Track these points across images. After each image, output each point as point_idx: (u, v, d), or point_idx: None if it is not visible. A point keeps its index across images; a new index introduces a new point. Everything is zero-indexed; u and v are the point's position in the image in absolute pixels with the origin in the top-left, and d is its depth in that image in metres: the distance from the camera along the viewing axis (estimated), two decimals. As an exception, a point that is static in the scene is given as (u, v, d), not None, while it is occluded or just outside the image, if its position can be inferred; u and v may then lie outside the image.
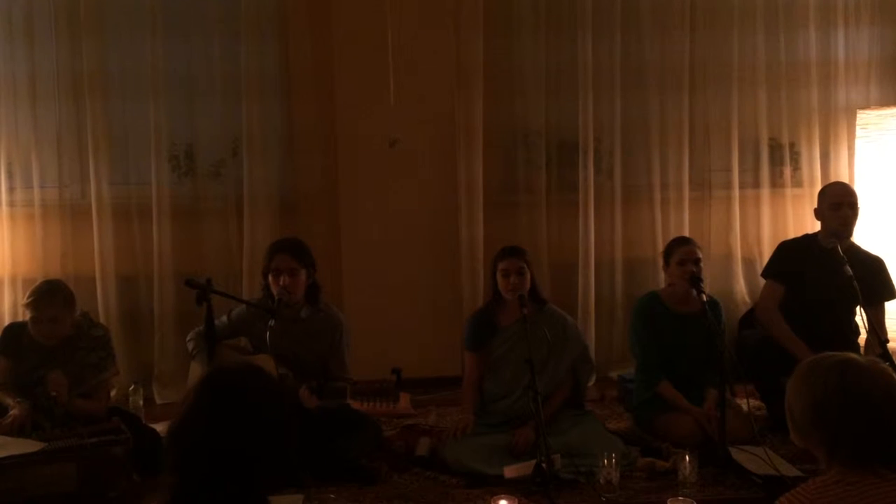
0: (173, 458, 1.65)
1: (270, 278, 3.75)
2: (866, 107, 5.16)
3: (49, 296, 3.65)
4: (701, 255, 3.98)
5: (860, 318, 4.02)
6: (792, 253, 4.28)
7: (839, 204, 4.11)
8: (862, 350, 4.15)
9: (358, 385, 3.56)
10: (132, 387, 4.48)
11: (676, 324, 4.00)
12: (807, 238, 4.34)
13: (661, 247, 5.00)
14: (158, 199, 4.94)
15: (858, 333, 4.22)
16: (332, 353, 3.79)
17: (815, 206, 4.25)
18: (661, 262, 4.20)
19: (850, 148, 5.22)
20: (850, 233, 4.15)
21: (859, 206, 4.17)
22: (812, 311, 4.08)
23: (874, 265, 4.18)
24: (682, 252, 3.96)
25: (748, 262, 5.19)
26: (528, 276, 3.87)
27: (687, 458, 3.38)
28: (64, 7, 4.85)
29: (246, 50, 4.93)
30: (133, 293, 5.01)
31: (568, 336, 3.97)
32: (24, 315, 3.79)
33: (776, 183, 5.29)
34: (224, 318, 3.84)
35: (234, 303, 3.84)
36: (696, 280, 3.82)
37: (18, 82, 4.87)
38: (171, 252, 4.95)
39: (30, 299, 3.66)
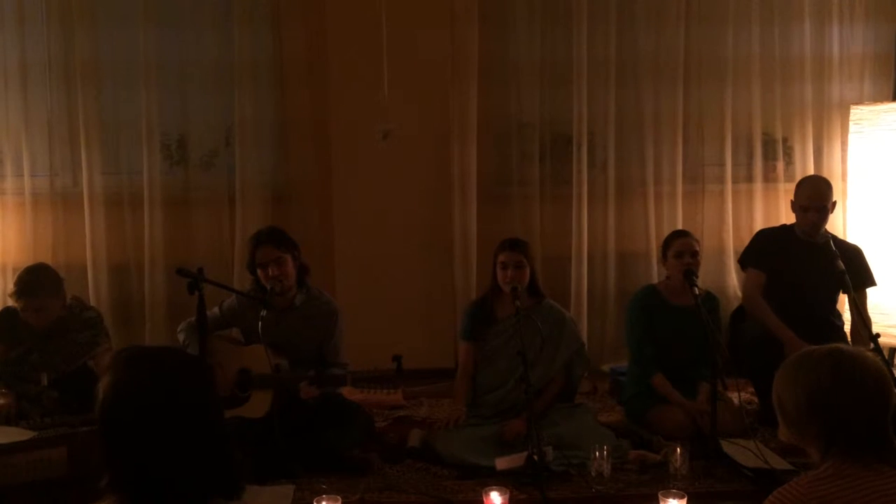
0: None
1: (259, 272, 3.74)
2: (859, 102, 5.15)
3: (31, 287, 3.65)
4: (698, 248, 4.00)
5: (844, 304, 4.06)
6: (770, 241, 4.32)
7: (806, 208, 4.14)
8: (849, 338, 4.21)
9: (356, 373, 3.56)
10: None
11: (673, 316, 4.00)
12: (784, 228, 4.37)
13: (654, 240, 5.03)
14: (150, 188, 4.91)
15: (842, 321, 4.26)
16: (327, 340, 3.79)
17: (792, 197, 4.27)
18: (657, 255, 4.20)
19: (843, 143, 5.22)
20: (817, 234, 4.15)
21: (832, 202, 4.16)
22: (792, 300, 4.10)
23: (852, 253, 4.21)
24: (678, 244, 3.98)
25: (741, 257, 5.19)
26: (527, 270, 3.87)
27: (678, 450, 3.39)
28: (55, -6, 4.82)
29: (239, 39, 4.90)
30: (124, 283, 4.99)
31: (564, 333, 3.97)
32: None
33: (769, 178, 5.29)
34: (215, 310, 3.83)
35: (225, 294, 3.83)
36: (689, 273, 3.82)
37: (9, 70, 4.85)
38: (162, 242, 4.93)
39: (14, 290, 3.67)
